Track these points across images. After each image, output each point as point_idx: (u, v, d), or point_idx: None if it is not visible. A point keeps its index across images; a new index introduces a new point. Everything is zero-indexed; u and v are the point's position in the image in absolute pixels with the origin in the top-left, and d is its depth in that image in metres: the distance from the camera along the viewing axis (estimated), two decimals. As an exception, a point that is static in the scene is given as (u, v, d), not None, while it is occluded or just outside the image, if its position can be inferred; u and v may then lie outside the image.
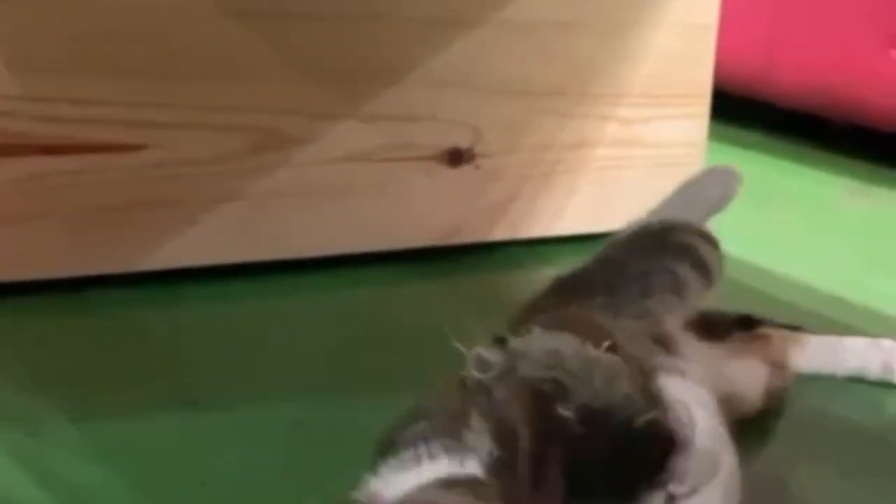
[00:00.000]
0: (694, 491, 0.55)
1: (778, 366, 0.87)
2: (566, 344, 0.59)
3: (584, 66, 1.23)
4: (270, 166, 1.10)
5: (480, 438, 0.54)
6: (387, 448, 0.56)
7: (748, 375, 0.83)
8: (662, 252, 0.80)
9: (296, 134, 1.11)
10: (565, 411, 0.54)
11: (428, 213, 1.19)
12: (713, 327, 0.84)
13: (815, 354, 0.93)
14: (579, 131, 1.24)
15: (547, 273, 1.25)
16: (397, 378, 0.93)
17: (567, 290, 0.78)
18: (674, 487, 0.54)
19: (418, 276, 1.17)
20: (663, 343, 0.69)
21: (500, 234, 1.23)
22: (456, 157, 1.18)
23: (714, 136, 1.37)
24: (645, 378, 0.59)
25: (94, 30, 1.00)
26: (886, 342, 0.94)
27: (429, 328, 1.06)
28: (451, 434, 0.54)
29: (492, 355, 0.59)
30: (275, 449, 0.79)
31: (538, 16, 1.19)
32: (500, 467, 0.52)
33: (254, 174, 1.10)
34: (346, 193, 1.14)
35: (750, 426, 0.79)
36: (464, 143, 1.18)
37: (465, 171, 1.19)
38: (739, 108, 1.87)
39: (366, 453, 0.78)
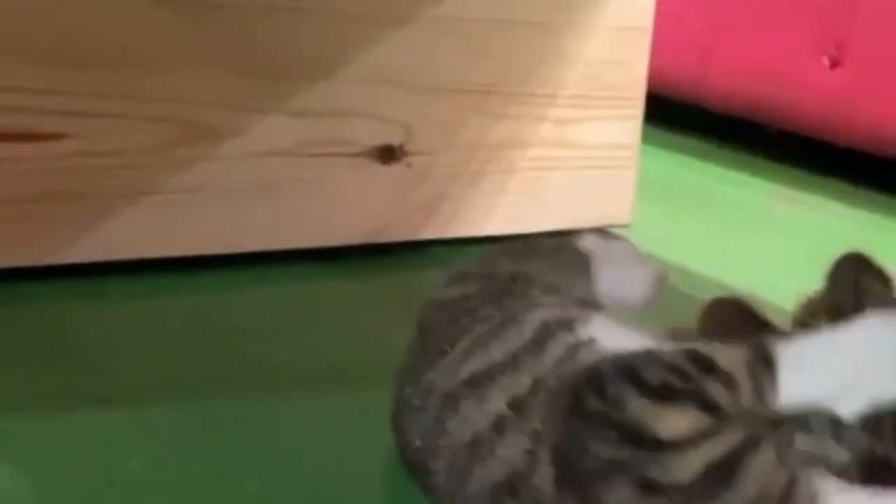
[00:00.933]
0: None
1: None
2: None
3: (517, 66, 1.22)
4: (194, 159, 1.08)
5: None
6: None
7: None
8: None
9: (221, 127, 1.08)
10: None
11: (357, 210, 1.17)
12: None
13: None
14: (511, 131, 1.23)
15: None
16: (320, 376, 0.92)
17: None
18: None
19: (345, 274, 1.16)
20: None
21: (429, 232, 1.21)
22: (387, 155, 1.16)
23: (648, 139, 1.37)
24: None
25: (9, 15, 0.97)
26: None
27: (354, 326, 1.05)
28: None
29: None
30: (187, 449, 0.76)
31: (472, 13, 1.18)
32: None
33: (177, 167, 1.07)
34: (272, 189, 1.12)
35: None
36: (395, 140, 1.17)
37: (396, 168, 1.17)
38: (673, 112, 1.88)
39: (279, 453, 0.77)
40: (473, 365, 0.65)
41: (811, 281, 1.28)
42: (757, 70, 1.78)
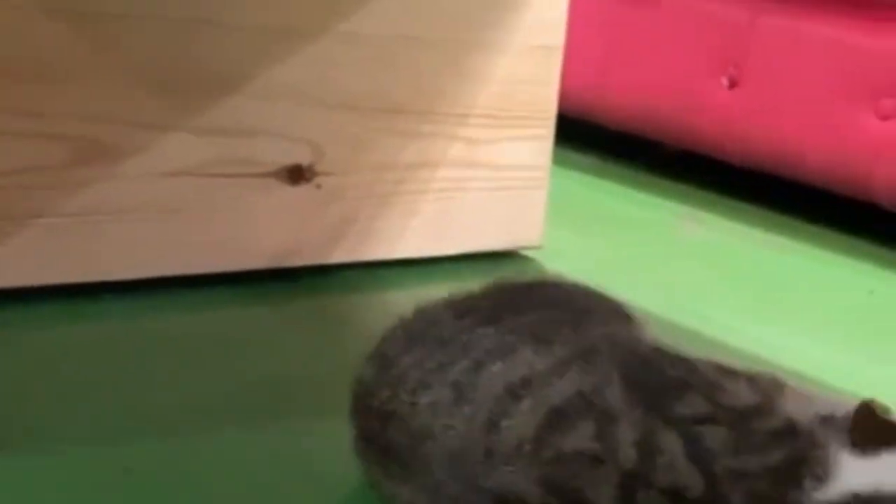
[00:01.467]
0: None
1: None
2: None
3: (429, 84, 1.18)
4: (89, 180, 1.01)
5: None
6: None
7: None
8: None
9: (119, 145, 1.02)
10: None
11: (264, 233, 1.11)
12: None
13: None
14: (422, 151, 1.19)
15: (386, 297, 1.22)
16: (233, 412, 0.86)
17: None
18: None
19: (252, 300, 1.10)
20: None
21: (338, 256, 1.16)
22: (296, 175, 1.11)
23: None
24: None
25: None
26: None
27: (263, 355, 1.00)
28: None
29: None
30: (103, 496, 0.70)
31: (383, 30, 1.14)
32: None
33: (71, 188, 1.00)
34: (175, 211, 1.06)
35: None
36: (304, 159, 1.12)
37: (304, 189, 1.12)
38: (575, 131, 1.86)
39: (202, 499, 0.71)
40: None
41: (717, 304, 1.28)
42: (656, 89, 1.78)
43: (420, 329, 0.72)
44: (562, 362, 0.65)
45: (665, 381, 0.63)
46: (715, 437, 0.59)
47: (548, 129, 1.27)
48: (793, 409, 0.63)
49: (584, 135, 1.88)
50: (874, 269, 1.43)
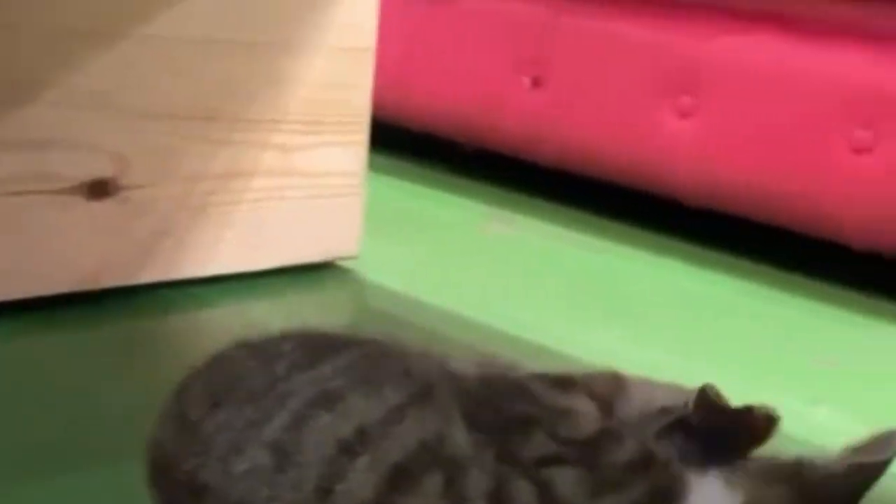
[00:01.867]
0: None
1: None
2: None
3: (238, 89, 1.12)
4: None
5: None
6: None
7: None
8: None
9: None
10: None
11: (65, 254, 1.02)
12: None
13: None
14: (234, 160, 1.13)
15: (200, 317, 1.15)
16: (24, 456, 0.78)
17: None
18: None
19: (55, 327, 1.01)
20: None
21: (148, 275, 1.09)
22: (98, 190, 1.02)
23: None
24: None
25: None
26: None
27: (69, 386, 0.91)
28: None
29: None
30: None
31: (188, 32, 1.07)
32: None
33: None
34: (-37, 233, 0.96)
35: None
36: (107, 172, 1.03)
37: (108, 204, 1.04)
38: (376, 133, 1.82)
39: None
40: None
41: (536, 307, 1.28)
42: (458, 89, 1.76)
43: (222, 381, 0.63)
44: (397, 407, 0.59)
45: (508, 417, 0.59)
46: (567, 479, 0.56)
47: (362, 135, 1.23)
48: (636, 407, 0.61)
49: (386, 136, 1.85)
50: (681, 265, 1.46)
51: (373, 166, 1.62)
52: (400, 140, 1.84)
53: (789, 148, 1.43)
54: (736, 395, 1.03)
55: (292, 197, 1.18)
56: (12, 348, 0.97)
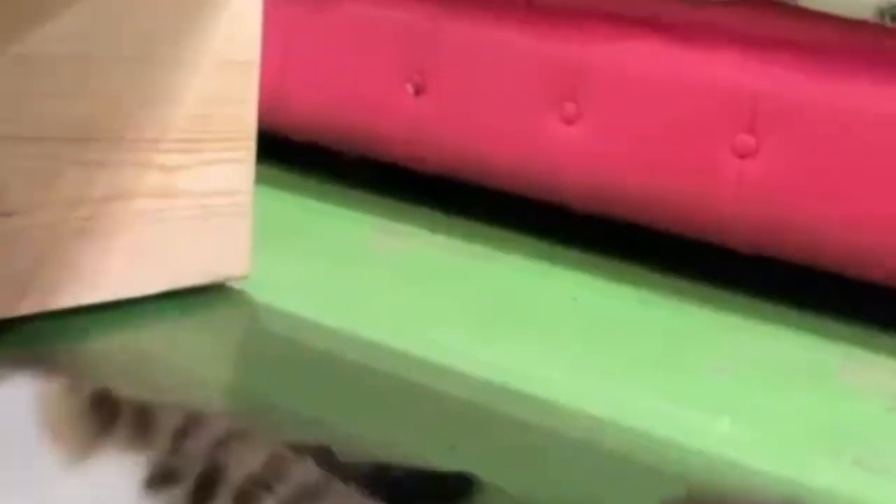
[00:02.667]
0: None
1: None
2: None
3: (115, 107, 1.07)
4: None
5: None
6: None
7: None
8: None
9: None
10: None
11: (-66, 288, 0.96)
12: None
13: None
14: (113, 182, 1.08)
15: (85, 348, 1.10)
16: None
17: None
18: None
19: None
20: None
21: (24, 307, 1.03)
22: (-30, 219, 0.96)
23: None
24: None
25: None
26: None
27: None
28: None
29: None
30: None
31: (62, 50, 1.01)
32: None
33: None
34: None
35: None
36: (-21, 200, 0.97)
37: (-19, 234, 0.98)
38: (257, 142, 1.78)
39: None
40: None
41: (435, 324, 1.25)
42: (340, 98, 1.73)
43: None
44: None
45: None
46: None
47: (249, 151, 1.19)
48: None
49: (266, 147, 1.80)
50: (573, 273, 1.45)
51: (256, 178, 1.58)
52: (281, 150, 1.79)
53: (674, 152, 1.44)
54: (638, 411, 1.03)
55: (177, 218, 1.13)
56: None
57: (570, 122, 1.53)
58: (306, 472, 0.57)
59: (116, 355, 1.06)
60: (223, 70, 1.15)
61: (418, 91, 1.66)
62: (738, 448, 0.97)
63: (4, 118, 0.98)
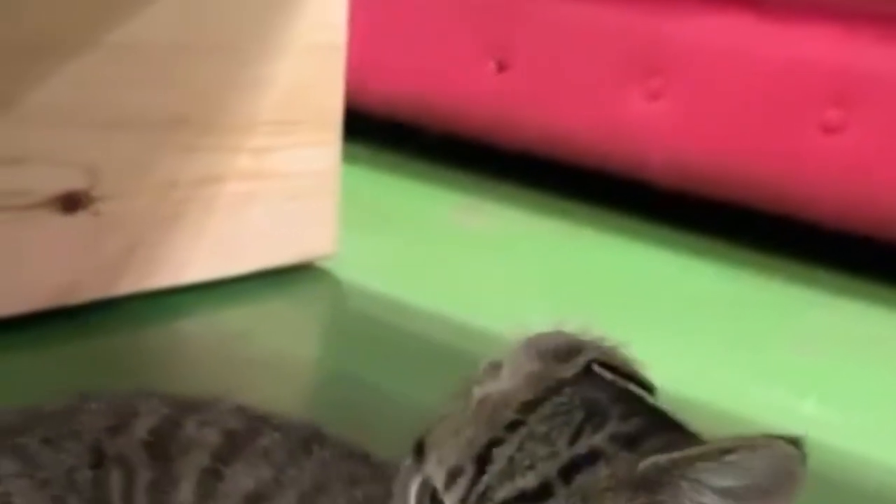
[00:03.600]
0: None
1: None
2: None
3: (207, 94, 1.09)
4: None
5: None
6: None
7: None
8: None
9: None
10: None
11: (40, 270, 1.00)
12: None
13: None
14: (206, 165, 1.10)
15: (178, 328, 1.13)
16: None
17: None
18: None
19: (27, 346, 0.99)
20: None
21: (123, 287, 1.06)
22: (71, 203, 1.00)
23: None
24: None
25: None
26: None
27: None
28: None
29: None
30: None
31: (155, 39, 1.04)
32: None
33: None
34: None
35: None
36: (79, 185, 1.01)
37: (81, 218, 1.01)
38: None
39: None
40: None
41: (515, 301, 1.26)
42: (423, 74, 1.74)
43: None
44: None
45: None
46: None
47: (335, 133, 1.21)
48: None
49: (350, 125, 1.82)
50: (655, 250, 1.45)
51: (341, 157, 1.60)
52: (365, 128, 1.81)
53: (760, 128, 1.43)
54: (719, 389, 1.04)
55: (266, 200, 1.16)
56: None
57: (654, 97, 1.52)
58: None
59: (208, 333, 1.09)
60: (310, 55, 1.17)
61: (501, 67, 1.66)
62: (824, 429, 0.97)
63: (100, 106, 1.01)
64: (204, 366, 1.02)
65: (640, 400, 0.50)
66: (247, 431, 0.60)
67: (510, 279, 1.31)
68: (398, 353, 1.08)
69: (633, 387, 0.51)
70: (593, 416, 0.47)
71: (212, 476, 0.57)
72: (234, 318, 1.12)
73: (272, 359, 1.05)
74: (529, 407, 0.48)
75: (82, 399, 0.63)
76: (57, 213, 1.00)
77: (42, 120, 0.97)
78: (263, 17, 1.12)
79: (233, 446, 0.59)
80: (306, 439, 0.61)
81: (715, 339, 1.18)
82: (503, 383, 0.50)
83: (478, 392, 0.51)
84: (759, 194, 1.45)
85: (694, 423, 1.00)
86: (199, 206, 1.11)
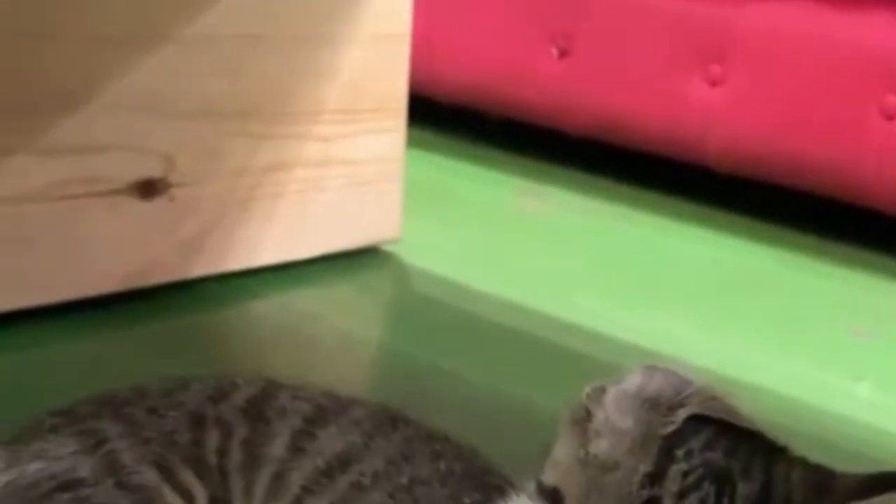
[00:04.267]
0: None
1: None
2: None
3: (277, 83, 1.13)
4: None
5: None
6: None
7: None
8: None
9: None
10: None
11: (116, 253, 1.04)
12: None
13: None
14: (276, 152, 1.14)
15: (248, 309, 1.17)
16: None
17: None
18: None
19: (106, 326, 1.03)
20: None
21: (198, 270, 1.11)
22: (148, 189, 1.04)
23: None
24: None
25: None
26: None
27: (127, 381, 0.94)
28: None
29: None
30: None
31: (226, 31, 1.08)
32: None
33: None
34: (15, 241, 0.98)
35: None
36: (155, 172, 1.05)
37: (157, 203, 1.06)
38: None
39: None
40: None
41: (575, 287, 1.29)
42: (486, 60, 1.76)
43: None
44: None
45: None
46: None
47: (400, 120, 1.24)
48: None
49: (415, 111, 1.86)
50: (715, 235, 1.47)
51: (406, 141, 1.63)
52: (430, 113, 1.84)
53: (820, 114, 1.44)
54: (776, 373, 1.05)
55: (333, 185, 1.20)
56: (65, 350, 0.99)
57: (715, 83, 1.53)
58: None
59: (278, 315, 1.13)
60: (376, 44, 1.20)
61: (562, 53, 1.68)
62: (879, 413, 0.98)
63: (176, 96, 1.05)
64: (274, 346, 1.06)
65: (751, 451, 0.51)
66: (336, 407, 0.64)
67: (571, 262, 1.34)
68: (460, 335, 1.11)
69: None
70: (723, 485, 0.48)
71: (305, 436, 0.61)
72: (303, 300, 1.16)
73: (340, 339, 1.09)
74: (655, 480, 0.48)
75: (185, 381, 0.67)
76: (135, 198, 1.04)
77: (122, 110, 1.02)
78: (331, 7, 1.16)
79: (324, 415, 0.63)
80: (392, 418, 0.65)
81: (772, 323, 1.19)
82: (602, 442, 0.50)
83: (582, 444, 0.51)
84: (818, 180, 1.45)
85: (751, 407, 1.02)
86: (268, 192, 1.15)
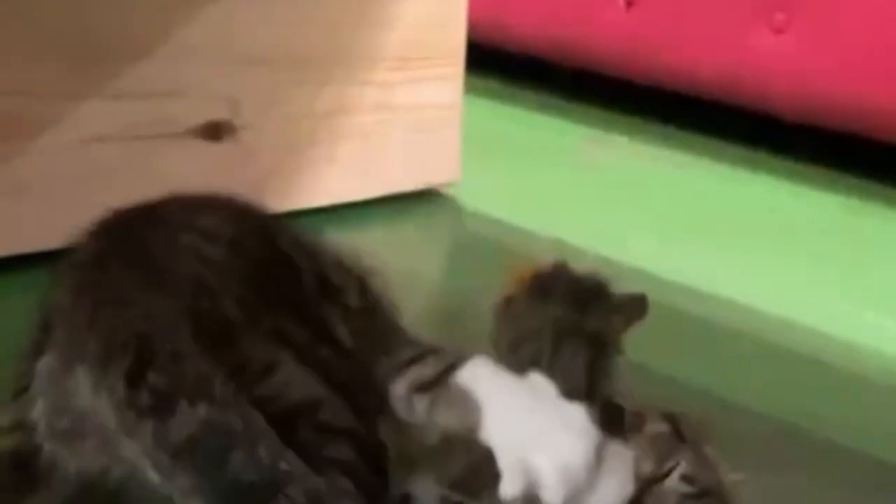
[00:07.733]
0: None
1: None
2: None
3: (338, 31, 1.18)
4: (6, 155, 1.00)
5: None
6: None
7: None
8: None
9: (33, 117, 1.01)
10: None
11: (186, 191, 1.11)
12: None
13: None
14: (337, 98, 1.20)
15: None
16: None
17: None
18: None
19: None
20: None
21: (262, 209, 1.17)
22: (215, 131, 1.11)
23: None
24: None
25: None
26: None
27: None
28: None
29: None
30: None
31: (289, -20, 1.13)
32: None
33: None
34: (91, 179, 1.05)
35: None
36: (222, 116, 1.12)
37: (224, 145, 1.12)
38: (473, 55, 1.87)
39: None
40: None
41: (633, 230, 1.32)
42: (554, 10, 1.79)
43: None
44: None
45: None
46: None
47: (458, 68, 1.29)
48: None
49: (483, 58, 1.89)
50: (778, 182, 1.48)
51: (472, 90, 1.68)
52: (497, 61, 1.88)
53: (884, 60, 1.44)
54: (838, 318, 1.07)
55: (392, 130, 1.25)
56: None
57: (779, 31, 1.54)
58: None
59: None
60: (434, -7, 1.25)
61: (629, 3, 1.70)
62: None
63: (241, 44, 1.12)
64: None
65: None
66: None
67: (630, 208, 1.37)
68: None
69: None
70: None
71: None
72: (364, 239, 1.21)
73: (400, 276, 1.14)
74: None
75: None
76: (203, 140, 1.11)
77: (190, 57, 1.08)
78: (390, -42, 1.20)
79: None
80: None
81: (836, 269, 1.21)
82: None
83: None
84: (885, 126, 1.46)
85: (805, 347, 1.04)
86: (330, 136, 1.20)
